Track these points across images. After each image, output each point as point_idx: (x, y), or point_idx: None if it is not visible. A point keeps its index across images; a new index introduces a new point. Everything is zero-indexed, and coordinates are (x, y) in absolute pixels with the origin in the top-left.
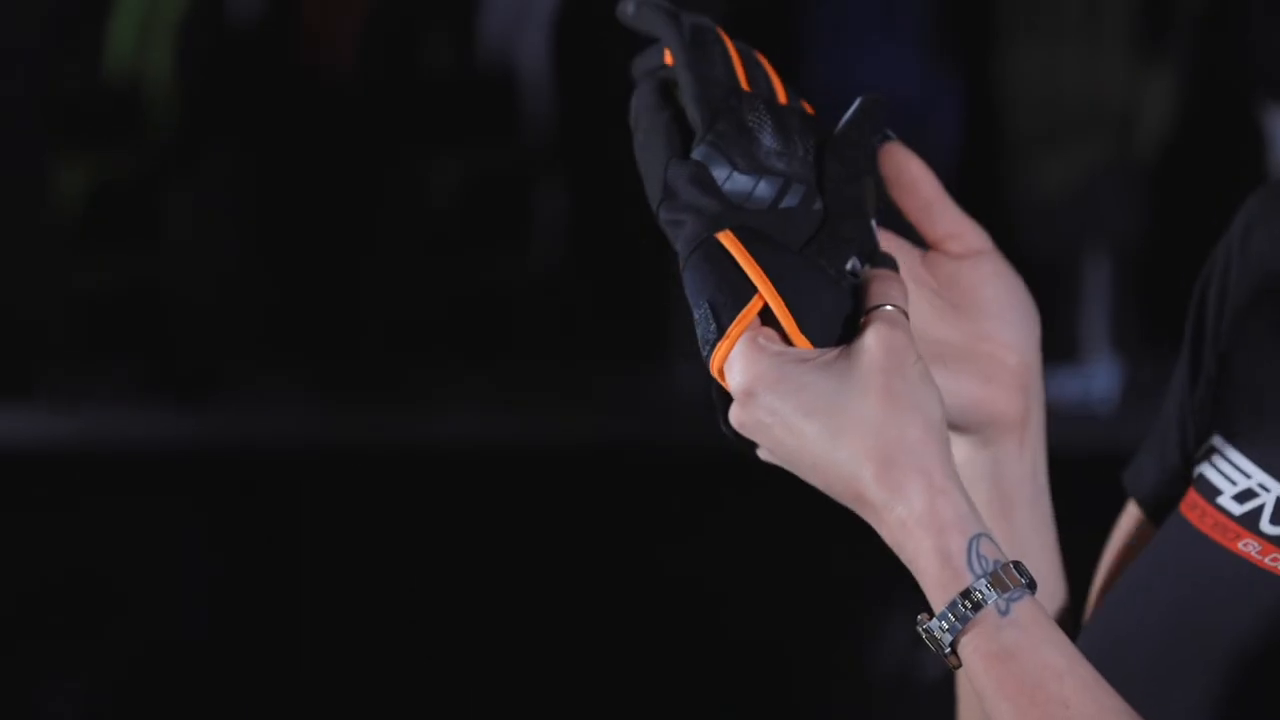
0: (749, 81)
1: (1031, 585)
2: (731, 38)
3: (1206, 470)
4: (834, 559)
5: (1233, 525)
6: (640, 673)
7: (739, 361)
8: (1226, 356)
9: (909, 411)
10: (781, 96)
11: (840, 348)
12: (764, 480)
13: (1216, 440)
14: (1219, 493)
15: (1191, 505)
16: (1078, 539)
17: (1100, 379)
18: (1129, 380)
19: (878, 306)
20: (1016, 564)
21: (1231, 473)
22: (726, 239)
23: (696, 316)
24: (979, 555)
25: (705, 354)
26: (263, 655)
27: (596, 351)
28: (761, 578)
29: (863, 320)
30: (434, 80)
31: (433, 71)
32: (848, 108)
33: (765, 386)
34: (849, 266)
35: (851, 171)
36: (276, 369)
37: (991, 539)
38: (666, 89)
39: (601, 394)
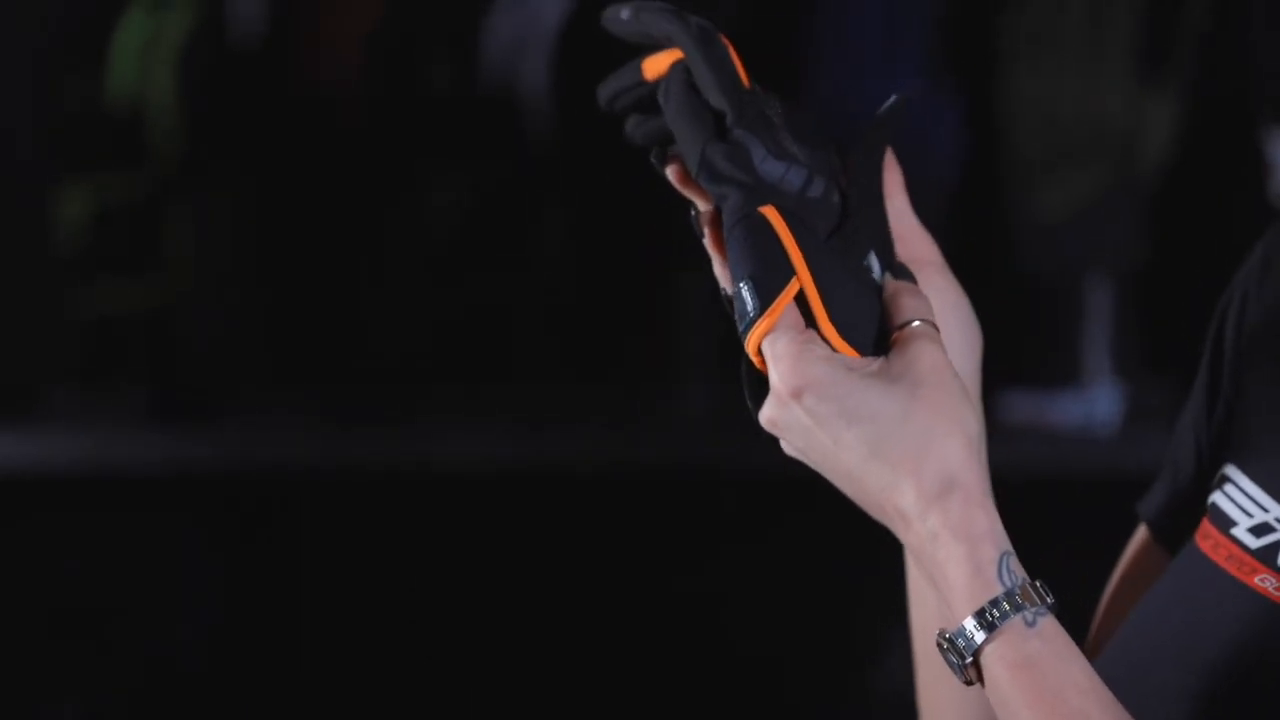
0: (749, 82)
1: (1054, 606)
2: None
3: (1220, 500)
4: (839, 578)
5: (1249, 559)
6: (645, 692)
7: (788, 362)
8: (1241, 386)
9: (952, 428)
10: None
11: (880, 359)
12: (770, 500)
13: (1230, 470)
14: (1234, 524)
15: (1205, 535)
16: (1081, 560)
17: (1102, 402)
18: (1131, 404)
19: (909, 322)
20: (1041, 583)
21: (1247, 504)
22: (770, 214)
23: (734, 291)
24: (1009, 569)
25: (743, 329)
26: (268, 678)
27: (601, 372)
28: (766, 596)
29: (897, 334)
30: (437, 103)
31: (435, 94)
32: (850, 126)
33: (811, 390)
34: (866, 261)
35: (875, 167)
36: (280, 391)
37: (1017, 558)
38: (685, 77)
39: (607, 414)
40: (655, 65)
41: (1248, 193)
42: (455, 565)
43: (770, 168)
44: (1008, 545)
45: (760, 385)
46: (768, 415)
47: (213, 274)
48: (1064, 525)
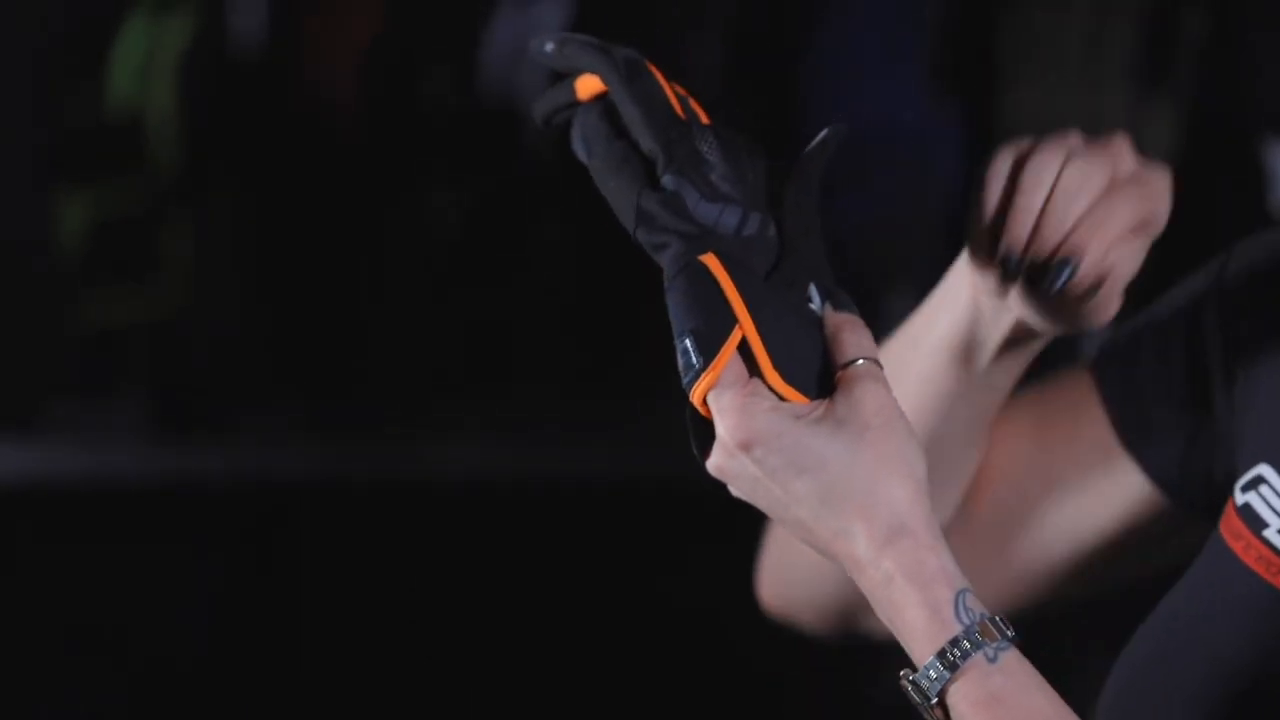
0: (681, 110)
1: (1015, 638)
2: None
3: (1254, 501)
4: None
5: (1278, 561)
6: (646, 700)
7: (732, 415)
8: (1265, 382)
9: (899, 472)
10: (703, 119)
11: (825, 403)
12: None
13: (1264, 470)
14: (1266, 526)
15: (1236, 535)
16: None
17: None
18: None
19: (853, 361)
20: (1001, 617)
21: None
22: (711, 262)
23: (678, 345)
24: (966, 607)
25: (687, 383)
26: (269, 688)
27: (602, 379)
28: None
29: (841, 374)
30: (435, 114)
31: (434, 105)
32: (849, 143)
33: (759, 442)
34: (807, 293)
35: (809, 198)
36: (280, 400)
37: (975, 595)
38: (611, 115)
39: (608, 422)
40: (587, 85)
41: (1247, 203)
42: (457, 575)
43: (705, 211)
44: (963, 583)
45: (706, 432)
46: (715, 464)
47: (213, 284)
48: None
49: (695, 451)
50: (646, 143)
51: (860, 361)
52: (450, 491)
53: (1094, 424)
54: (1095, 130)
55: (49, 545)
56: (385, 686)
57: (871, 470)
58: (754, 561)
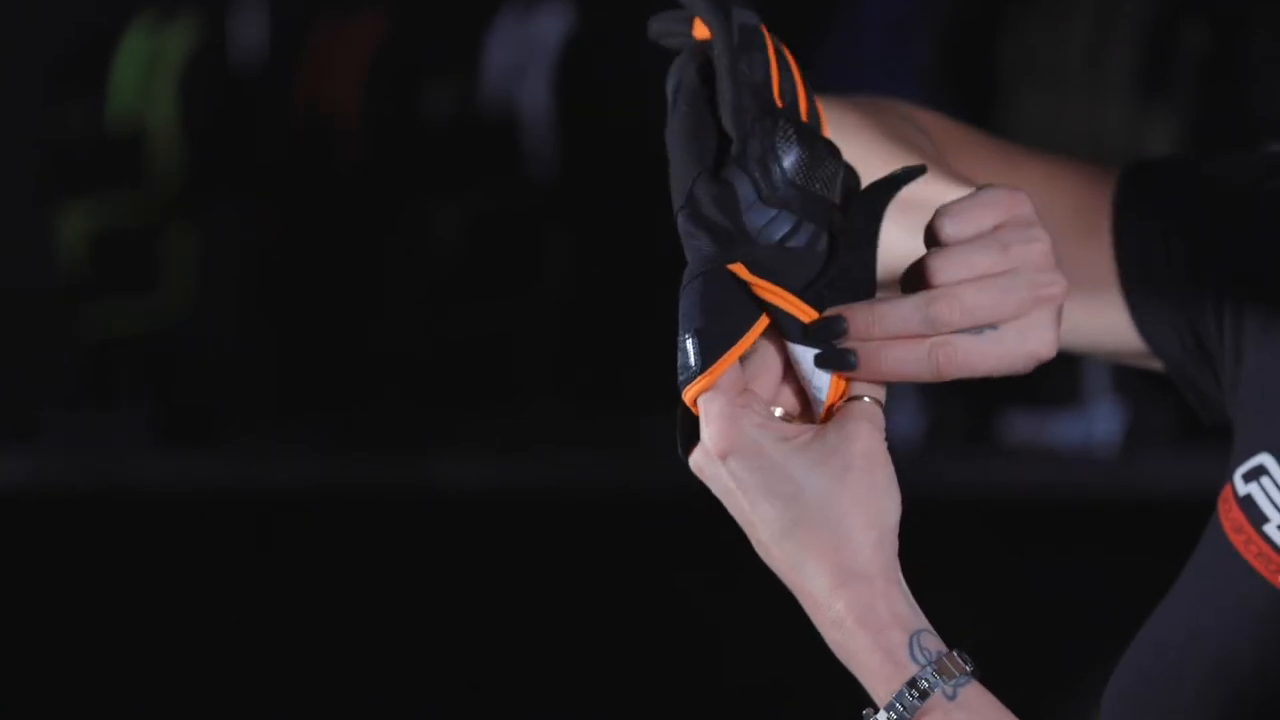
0: (780, 94)
1: (975, 672)
2: (771, 37)
3: (1255, 493)
4: None
5: (1276, 558)
6: (647, 714)
7: (719, 423)
8: (1270, 366)
9: (867, 518)
10: (804, 110)
11: (815, 430)
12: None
13: (1266, 460)
14: (1266, 520)
15: (1237, 528)
16: (1080, 579)
17: (1102, 421)
18: (1132, 423)
19: (857, 396)
20: (959, 652)
21: None
22: (740, 271)
23: (679, 343)
24: (921, 648)
25: (681, 382)
26: (269, 700)
27: (606, 395)
28: (766, 622)
29: (840, 408)
30: (437, 126)
31: (436, 117)
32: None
33: (738, 456)
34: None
35: (872, 226)
36: (281, 414)
37: (933, 633)
38: (708, 70)
39: (613, 439)
40: (705, 28)
41: None
42: (460, 588)
43: (755, 216)
44: (916, 625)
45: (693, 429)
46: (695, 462)
47: (214, 295)
48: (1063, 545)
49: (679, 449)
50: (726, 122)
51: (865, 399)
52: (452, 505)
53: (1100, 247)
54: (1096, 142)
55: (51, 556)
56: (389, 700)
57: (842, 512)
58: (757, 576)
